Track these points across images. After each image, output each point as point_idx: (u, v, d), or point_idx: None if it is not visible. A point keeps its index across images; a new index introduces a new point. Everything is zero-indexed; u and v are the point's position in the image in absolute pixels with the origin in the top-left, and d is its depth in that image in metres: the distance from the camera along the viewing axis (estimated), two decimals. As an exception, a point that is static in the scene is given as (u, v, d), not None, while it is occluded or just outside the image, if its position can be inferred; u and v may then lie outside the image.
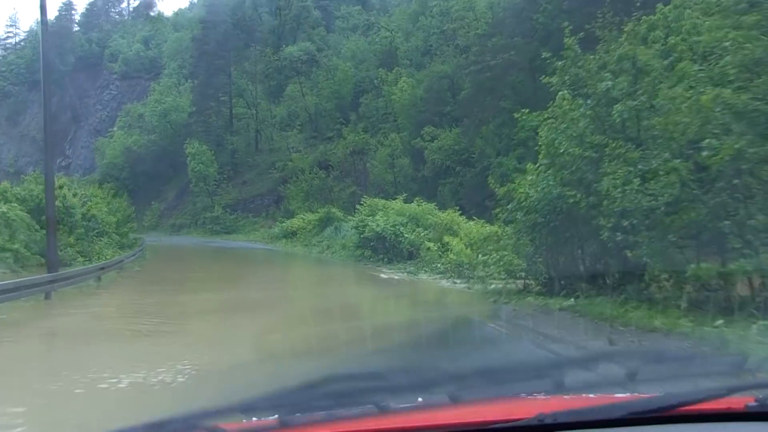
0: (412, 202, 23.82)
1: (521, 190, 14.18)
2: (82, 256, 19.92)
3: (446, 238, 18.34)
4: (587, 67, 13.41)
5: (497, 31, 41.54)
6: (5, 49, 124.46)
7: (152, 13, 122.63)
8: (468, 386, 1.69)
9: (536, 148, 14.55)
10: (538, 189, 13.32)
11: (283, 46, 66.35)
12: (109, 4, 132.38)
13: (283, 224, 40.33)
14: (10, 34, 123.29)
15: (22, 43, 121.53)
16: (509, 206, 14.62)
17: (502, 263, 14.39)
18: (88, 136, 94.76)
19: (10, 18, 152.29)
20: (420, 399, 1.58)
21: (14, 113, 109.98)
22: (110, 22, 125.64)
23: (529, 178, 14.30)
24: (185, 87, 71.16)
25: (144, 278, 20.53)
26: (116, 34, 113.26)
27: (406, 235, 20.90)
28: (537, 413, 1.60)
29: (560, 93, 13.70)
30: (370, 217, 22.52)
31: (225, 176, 60.33)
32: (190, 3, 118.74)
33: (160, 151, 67.60)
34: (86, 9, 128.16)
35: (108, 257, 20.43)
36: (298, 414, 1.43)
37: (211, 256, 35.06)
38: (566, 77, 13.89)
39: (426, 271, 18.81)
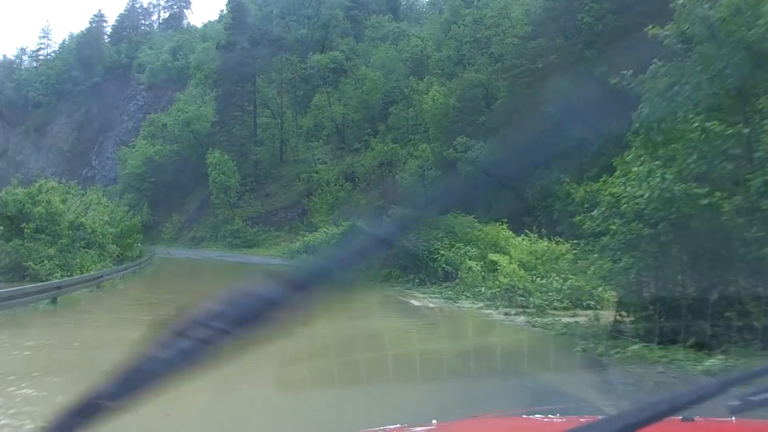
0: (447, 214, 20.60)
1: (613, 190, 10.73)
2: (62, 269, 17.47)
3: (492, 256, 15.26)
4: None
5: (537, 33, 38.67)
6: (37, 60, 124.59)
7: (182, 25, 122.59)
8: None
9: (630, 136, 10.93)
10: (649, 186, 9.76)
11: (310, 54, 64.09)
12: (140, 16, 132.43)
13: (305, 238, 37.65)
14: (42, 46, 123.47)
15: (53, 54, 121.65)
16: (594, 213, 11.07)
17: (567, 289, 11.36)
18: (114, 147, 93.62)
19: (42, 29, 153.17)
20: None
21: (43, 124, 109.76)
22: (140, 34, 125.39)
23: (634, 169, 10.52)
24: (210, 97, 69.34)
25: (116, 300, 17.43)
26: (145, 45, 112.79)
27: (442, 252, 17.87)
28: None
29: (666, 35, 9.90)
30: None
31: (247, 188, 58.04)
32: (220, 15, 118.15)
33: (182, 161, 65.64)
34: (117, 21, 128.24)
35: (90, 272, 17.93)
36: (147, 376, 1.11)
37: (219, 272, 32.64)
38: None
39: (467, 297, 15.67)
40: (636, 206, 9.71)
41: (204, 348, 1.13)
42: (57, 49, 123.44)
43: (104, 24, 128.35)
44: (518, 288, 13.68)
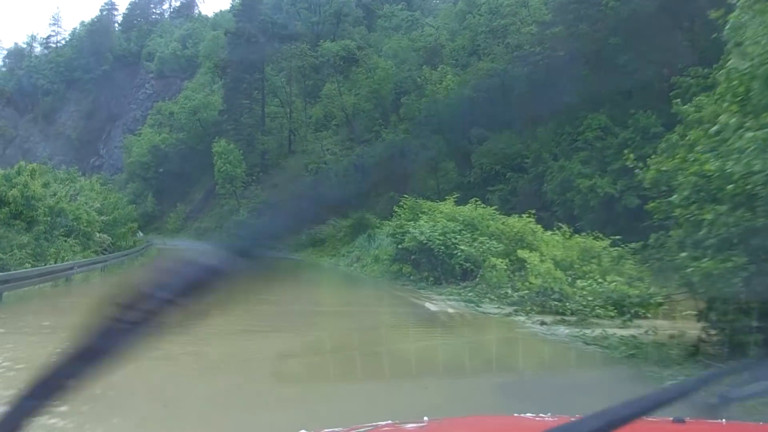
0: (466, 204, 18.92)
1: (707, 168, 8.19)
2: (34, 259, 15.81)
3: (521, 253, 13.28)
4: None
5: (558, 21, 36.80)
6: (47, 48, 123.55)
7: (193, 14, 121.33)
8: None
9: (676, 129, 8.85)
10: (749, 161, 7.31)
11: (321, 42, 62.30)
12: (151, 4, 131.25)
13: (311, 230, 36.14)
14: (53, 33, 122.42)
15: (63, 42, 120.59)
16: (674, 198, 8.88)
17: (611, 293, 9.57)
18: (122, 136, 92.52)
19: (53, 17, 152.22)
20: None
21: (51, 111, 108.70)
22: (150, 22, 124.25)
23: (734, 140, 7.87)
24: (218, 86, 67.78)
25: (74, 299, 14.24)
26: (155, 34, 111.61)
27: (461, 247, 15.56)
28: None
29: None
30: (412, 223, 17.68)
31: (254, 178, 56.40)
32: (231, 4, 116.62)
33: (188, 150, 64.12)
34: (128, 9, 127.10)
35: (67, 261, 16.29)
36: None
37: None
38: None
39: (492, 300, 13.50)
40: (745, 188, 7.39)
41: (152, 320, 1.10)
42: (67, 36, 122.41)
43: (115, 12, 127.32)
44: (553, 290, 11.84)
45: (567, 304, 11.09)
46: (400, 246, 17.51)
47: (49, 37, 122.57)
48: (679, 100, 23.62)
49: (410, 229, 16.69)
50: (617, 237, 12.02)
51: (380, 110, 57.51)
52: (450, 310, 13.13)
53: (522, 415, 2.13)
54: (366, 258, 24.35)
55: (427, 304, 13.95)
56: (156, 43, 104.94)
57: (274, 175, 57.43)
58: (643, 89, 32.89)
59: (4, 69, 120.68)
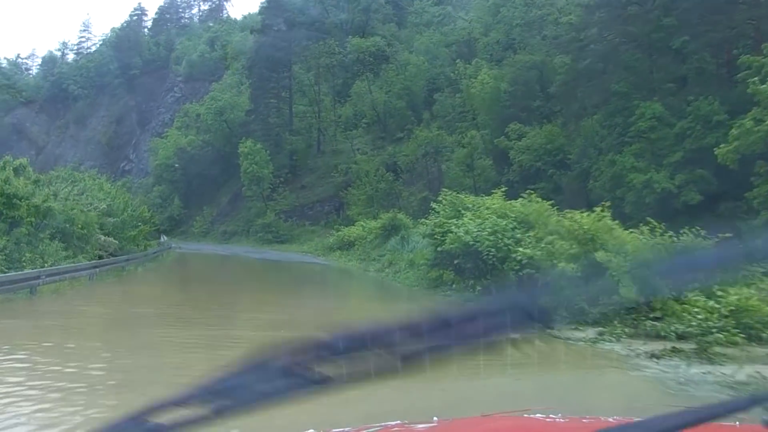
0: (517, 198, 15.82)
1: None
2: (7, 265, 13.73)
3: (601, 256, 10.36)
4: None
5: (604, 2, 34.01)
6: (78, 53, 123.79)
7: (221, 17, 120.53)
8: (418, 338, 1.28)
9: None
10: None
11: (349, 37, 60.15)
12: (180, 9, 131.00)
13: (339, 233, 33.69)
14: (83, 39, 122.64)
15: (93, 48, 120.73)
16: None
17: (731, 309, 7.09)
18: (150, 140, 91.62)
19: (83, 23, 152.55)
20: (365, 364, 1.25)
21: (82, 117, 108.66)
22: (179, 26, 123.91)
23: None
24: (245, 86, 66.06)
25: (22, 322, 11.69)
26: (183, 37, 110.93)
27: (522, 250, 12.28)
28: None
29: None
30: (454, 221, 14.57)
31: (282, 179, 54.43)
32: (260, 6, 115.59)
33: (214, 152, 62.53)
34: (157, 14, 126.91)
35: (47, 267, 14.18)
36: (231, 399, 1.20)
37: (230, 273, 28.15)
38: None
39: (563, 318, 10.53)
40: None
41: (300, 381, 1.17)
42: (98, 42, 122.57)
43: (144, 17, 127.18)
44: (650, 307, 9.07)
45: (671, 324, 8.50)
46: (439, 249, 14.60)
47: (79, 43, 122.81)
48: (756, 79, 21.07)
49: (452, 227, 13.86)
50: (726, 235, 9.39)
51: (412, 108, 55.41)
52: (513, 335, 9.62)
53: (532, 415, 2.06)
54: (399, 263, 21.76)
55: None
56: (184, 46, 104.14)
57: (303, 176, 55.45)
58: (699, 74, 30.13)
59: (37, 77, 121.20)
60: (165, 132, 74.31)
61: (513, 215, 13.43)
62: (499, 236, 12.50)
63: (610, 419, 1.73)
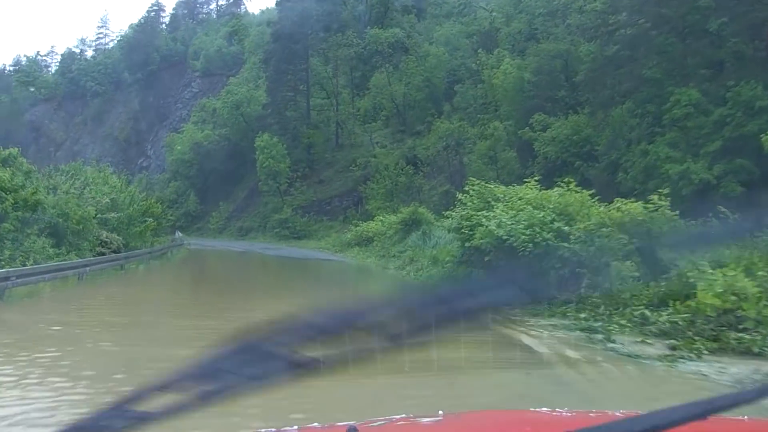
0: (553, 187, 13.88)
1: None
2: None
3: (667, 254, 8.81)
4: None
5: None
6: (96, 50, 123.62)
7: (239, 12, 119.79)
8: (402, 319, 1.23)
9: None
10: None
11: (368, 28, 58.72)
12: (198, 4, 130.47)
13: (358, 228, 32.31)
14: (101, 35, 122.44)
15: (111, 44, 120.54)
16: None
17: None
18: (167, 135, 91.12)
19: (101, 19, 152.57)
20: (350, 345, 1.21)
21: (100, 113, 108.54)
22: (197, 21, 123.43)
23: None
24: (262, 80, 64.92)
25: None
26: (201, 32, 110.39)
27: (568, 245, 10.66)
28: (563, 431, 1.38)
29: None
30: (484, 213, 12.85)
31: (299, 174, 53.20)
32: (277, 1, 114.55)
33: (231, 146, 61.45)
34: (174, 9, 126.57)
35: (28, 266, 12.79)
36: (220, 382, 1.17)
37: (239, 272, 26.24)
38: None
39: (622, 327, 8.70)
40: None
41: (283, 363, 1.15)
42: (115, 38, 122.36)
43: (162, 13, 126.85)
44: (742, 316, 7.27)
45: (760, 336, 6.90)
46: (467, 244, 13.06)
47: (97, 39, 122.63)
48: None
49: (483, 220, 12.27)
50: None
51: (432, 99, 53.96)
52: (570, 352, 8.10)
53: (538, 409, 2.02)
54: (421, 259, 20.14)
55: (525, 339, 8.74)
56: (202, 41, 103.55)
57: (321, 171, 54.23)
58: (738, 58, 28.37)
59: (56, 74, 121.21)
60: (181, 127, 73.47)
61: (551, 206, 11.89)
62: (537, 230, 10.96)
63: (617, 413, 1.72)
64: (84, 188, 19.96)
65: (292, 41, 56.05)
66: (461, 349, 4.93)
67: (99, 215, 18.95)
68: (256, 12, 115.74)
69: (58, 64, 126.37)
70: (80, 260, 14.85)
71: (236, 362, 1.12)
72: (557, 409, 1.93)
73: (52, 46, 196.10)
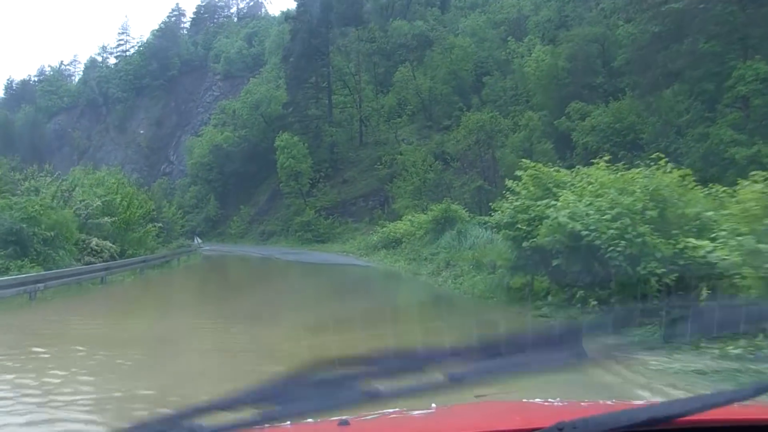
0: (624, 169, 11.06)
1: None
2: None
3: None
4: None
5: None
6: (117, 57, 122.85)
7: (260, 13, 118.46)
8: (467, 362, 1.47)
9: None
10: None
11: (391, 20, 56.16)
12: (218, 8, 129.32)
13: (384, 229, 29.75)
14: (121, 42, 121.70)
15: (132, 50, 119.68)
16: None
17: None
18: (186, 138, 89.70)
19: (121, 26, 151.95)
20: (415, 383, 1.41)
21: (122, 119, 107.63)
22: (217, 25, 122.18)
23: None
24: (283, 80, 62.74)
25: None
26: (221, 35, 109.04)
27: (716, 249, 7.49)
28: (556, 421, 1.45)
29: None
30: (546, 202, 10.10)
31: (322, 174, 50.85)
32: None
33: (251, 148, 59.27)
34: (194, 14, 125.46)
35: None
36: (279, 406, 1.32)
37: (251, 283, 22.56)
38: None
39: None
40: None
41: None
42: (136, 45, 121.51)
43: (182, 18, 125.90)
44: None
45: None
46: (526, 244, 10.53)
47: (118, 46, 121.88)
48: None
49: (548, 211, 9.40)
50: None
51: (460, 93, 51.36)
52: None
53: (530, 400, 2.08)
54: (459, 263, 16.93)
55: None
56: (222, 44, 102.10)
57: (344, 170, 51.80)
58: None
59: (79, 82, 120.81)
60: (202, 131, 71.78)
61: (638, 191, 9.04)
62: (626, 221, 8.15)
63: (609, 402, 1.78)
64: (72, 190, 17.80)
65: (311, 36, 53.75)
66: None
67: (90, 220, 16.77)
68: (277, 14, 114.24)
69: (81, 72, 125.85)
70: (33, 274, 12.28)
71: (299, 388, 1.18)
72: (549, 400, 1.96)
73: (75, 56, 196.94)
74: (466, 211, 24.47)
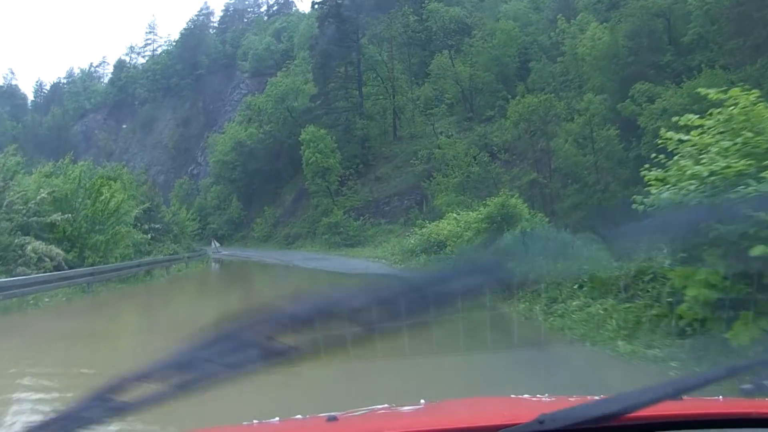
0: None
1: None
2: None
3: None
4: None
5: None
6: (144, 57, 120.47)
7: (290, 12, 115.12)
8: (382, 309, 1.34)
9: None
10: None
11: (426, 2, 51.44)
12: (248, 6, 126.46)
13: (423, 230, 24.91)
14: (149, 41, 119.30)
15: (159, 50, 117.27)
16: None
17: None
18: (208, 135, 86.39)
19: (149, 25, 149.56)
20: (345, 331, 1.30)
21: (149, 121, 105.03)
22: (246, 23, 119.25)
23: None
24: (311, 74, 58.64)
25: None
26: (250, 33, 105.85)
27: None
28: (538, 415, 1.43)
29: None
30: None
31: (352, 170, 46.41)
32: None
33: (276, 145, 55.08)
34: (223, 11, 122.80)
35: None
36: (198, 372, 1.24)
37: (235, 303, 15.68)
38: None
39: None
40: None
41: (266, 352, 1.18)
42: (163, 44, 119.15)
43: (211, 16, 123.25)
44: None
45: None
46: (759, 250, 5.46)
47: (145, 45, 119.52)
48: None
49: None
50: None
51: (503, 80, 46.65)
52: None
53: (519, 396, 2.09)
54: (564, 285, 10.07)
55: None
56: (250, 41, 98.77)
57: (377, 167, 47.24)
58: None
59: (108, 83, 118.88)
60: (226, 124, 68.10)
61: None
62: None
63: (597, 397, 1.69)
64: (10, 178, 13.62)
65: (340, 21, 49.37)
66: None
67: (36, 218, 12.66)
68: (308, 11, 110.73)
69: (110, 74, 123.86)
70: None
71: (214, 351, 1.12)
72: (537, 395, 1.96)
73: (104, 57, 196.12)
74: (527, 207, 19.82)
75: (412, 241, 25.58)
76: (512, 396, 2.09)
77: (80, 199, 15.48)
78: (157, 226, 24.40)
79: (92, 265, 14.51)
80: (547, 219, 22.36)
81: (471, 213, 21.04)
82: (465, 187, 32.19)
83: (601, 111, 32.15)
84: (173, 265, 23.60)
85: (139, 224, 21.92)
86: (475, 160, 33.73)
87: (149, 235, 22.43)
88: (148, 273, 20.14)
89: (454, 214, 23.33)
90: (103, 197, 15.99)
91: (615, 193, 30.06)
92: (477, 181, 32.40)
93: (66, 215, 14.11)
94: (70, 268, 13.40)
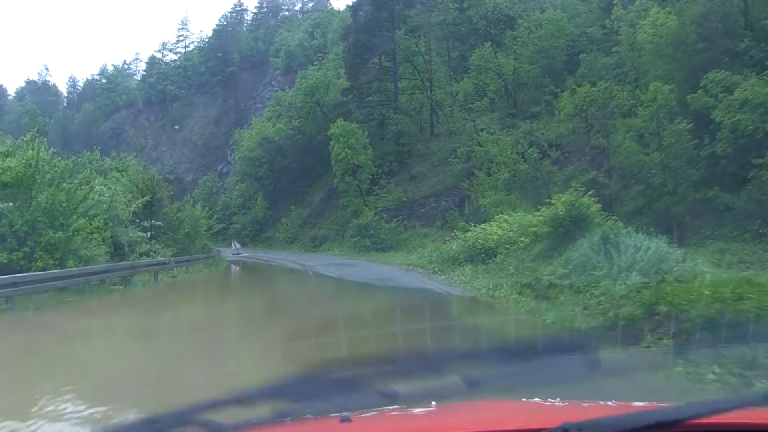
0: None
1: None
2: None
3: None
4: None
5: None
6: (176, 53, 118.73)
7: (325, 9, 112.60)
8: (483, 367, 1.46)
9: None
10: None
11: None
12: (283, 4, 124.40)
13: (468, 234, 21.26)
14: (181, 38, 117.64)
15: (191, 46, 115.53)
16: None
17: None
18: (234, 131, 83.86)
19: (181, 21, 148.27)
20: (429, 385, 1.44)
21: (179, 117, 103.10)
22: (279, 20, 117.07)
23: None
24: (344, 70, 55.58)
25: None
26: (283, 29, 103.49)
27: None
28: (560, 422, 1.42)
29: None
30: None
31: (385, 169, 43.04)
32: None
33: (305, 141, 51.97)
34: (256, 8, 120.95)
35: None
36: (296, 404, 1.31)
37: (225, 333, 12.24)
38: None
39: None
40: None
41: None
42: (195, 41, 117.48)
43: (244, 13, 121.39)
44: None
45: None
46: None
47: (177, 42, 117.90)
48: None
49: None
50: None
51: (550, 74, 43.01)
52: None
53: (531, 400, 2.02)
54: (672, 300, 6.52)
55: None
56: (283, 37, 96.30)
57: (412, 165, 43.75)
58: None
59: (140, 81, 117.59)
60: (254, 119, 65.26)
61: None
62: None
63: (609, 403, 1.68)
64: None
65: (376, 8, 46.05)
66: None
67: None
68: (342, 8, 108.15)
69: (143, 71, 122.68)
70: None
71: (314, 387, 1.18)
72: (549, 400, 1.93)
73: (137, 53, 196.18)
74: (599, 208, 16.16)
75: (454, 247, 21.96)
76: (524, 400, 1.98)
77: (38, 186, 12.24)
78: (158, 223, 21.32)
79: (42, 269, 11.16)
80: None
81: (528, 215, 17.38)
82: (511, 188, 28.65)
83: (669, 103, 28.32)
84: (173, 269, 20.25)
85: (137, 221, 18.91)
86: (523, 157, 30.13)
87: (148, 234, 19.38)
88: (124, 281, 16.64)
89: (505, 216, 19.72)
90: (71, 185, 12.77)
91: (684, 196, 26.44)
92: (525, 181, 28.81)
93: (14, 203, 10.85)
94: (12, 273, 10.21)
